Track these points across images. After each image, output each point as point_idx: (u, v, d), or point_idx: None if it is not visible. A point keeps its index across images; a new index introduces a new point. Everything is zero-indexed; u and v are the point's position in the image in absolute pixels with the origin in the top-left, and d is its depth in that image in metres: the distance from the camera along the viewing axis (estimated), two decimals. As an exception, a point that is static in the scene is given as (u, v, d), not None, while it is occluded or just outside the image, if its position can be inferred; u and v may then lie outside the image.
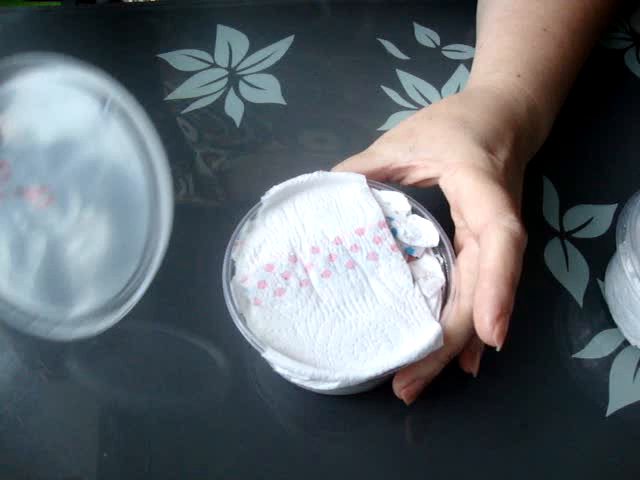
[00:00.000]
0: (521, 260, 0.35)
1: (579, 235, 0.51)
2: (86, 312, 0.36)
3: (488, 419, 0.42)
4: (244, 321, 0.37)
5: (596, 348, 0.46)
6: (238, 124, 0.56)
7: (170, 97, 0.58)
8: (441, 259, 0.40)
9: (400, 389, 0.38)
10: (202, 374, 0.44)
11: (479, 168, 0.39)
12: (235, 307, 0.37)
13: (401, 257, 0.39)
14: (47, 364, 0.43)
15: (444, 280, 0.39)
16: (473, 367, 0.40)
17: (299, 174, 0.42)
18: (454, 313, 0.37)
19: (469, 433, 0.42)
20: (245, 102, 0.57)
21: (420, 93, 0.58)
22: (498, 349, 0.34)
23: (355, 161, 0.44)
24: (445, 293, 0.39)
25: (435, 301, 0.38)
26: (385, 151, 0.43)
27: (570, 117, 0.54)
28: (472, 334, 0.38)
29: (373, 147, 0.45)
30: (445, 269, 0.40)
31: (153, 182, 0.35)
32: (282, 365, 0.35)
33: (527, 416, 0.43)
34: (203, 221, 0.51)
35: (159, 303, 0.45)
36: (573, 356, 0.45)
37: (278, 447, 0.41)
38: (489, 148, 0.41)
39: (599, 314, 0.47)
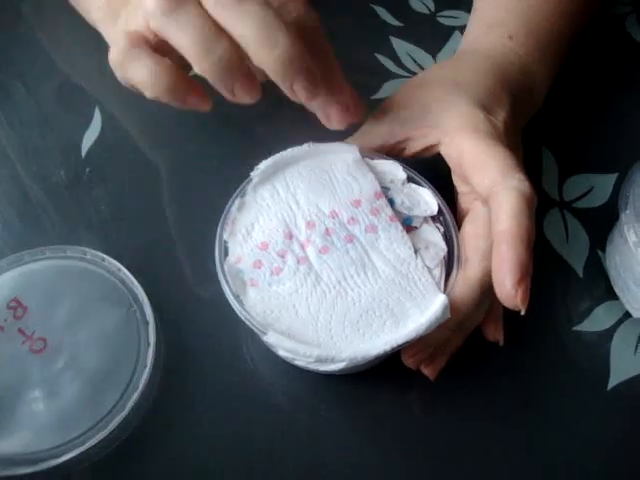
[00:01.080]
0: (534, 219, 0.34)
1: (579, 205, 0.50)
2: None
3: (488, 395, 0.42)
4: (242, 304, 0.35)
5: (597, 320, 0.45)
6: None
7: None
8: (441, 228, 0.39)
9: (408, 358, 0.37)
10: (201, 359, 0.42)
11: (479, 129, 0.38)
12: (231, 289, 0.36)
13: (401, 228, 0.38)
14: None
15: (446, 249, 0.38)
16: (498, 335, 0.40)
17: (289, 146, 0.41)
18: (461, 280, 0.36)
19: (470, 409, 0.41)
20: None
21: (414, 60, 0.57)
22: (523, 312, 0.33)
23: (355, 140, 0.43)
24: (448, 262, 0.38)
25: (438, 271, 0.37)
26: (380, 128, 0.42)
27: (569, 84, 0.53)
28: (483, 300, 0.37)
29: (368, 125, 0.43)
30: (446, 237, 0.39)
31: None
32: (286, 348, 0.34)
33: (527, 390, 0.42)
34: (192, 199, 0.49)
35: (153, 288, 0.43)
36: (573, 329, 0.44)
37: (279, 429, 0.40)
38: (486, 108, 0.40)
39: (600, 286, 0.46)
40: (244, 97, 0.36)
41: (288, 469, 0.39)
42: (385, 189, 0.40)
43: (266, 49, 0.34)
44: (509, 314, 0.36)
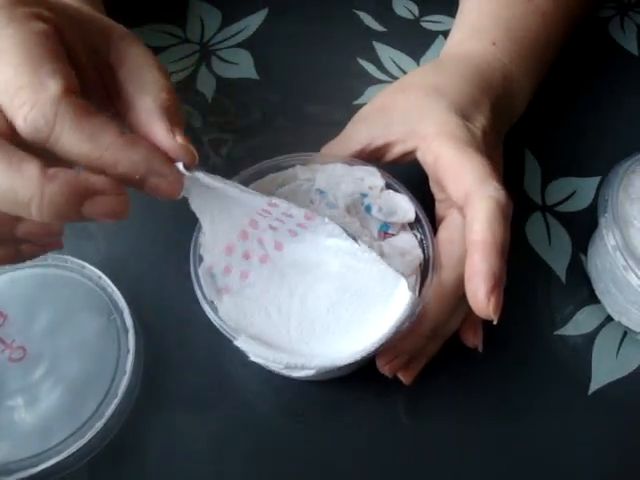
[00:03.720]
0: (509, 228, 0.34)
1: (561, 209, 0.50)
2: None
3: (471, 398, 0.42)
4: (215, 310, 0.35)
5: (579, 324, 0.45)
6: (210, 99, 0.54)
7: None
8: (419, 235, 0.39)
9: (383, 365, 0.37)
10: (181, 366, 0.42)
11: (456, 136, 0.38)
12: (205, 296, 0.35)
13: (327, 220, 0.37)
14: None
15: (422, 257, 0.38)
16: (477, 340, 0.40)
17: (271, 154, 0.41)
18: (435, 286, 0.36)
19: (453, 413, 0.42)
20: (217, 77, 0.56)
21: (397, 65, 0.57)
22: (495, 322, 0.32)
23: (332, 148, 0.43)
24: (424, 270, 0.38)
25: (413, 279, 0.37)
26: (360, 133, 0.42)
27: (552, 87, 0.53)
28: (459, 306, 0.37)
29: (348, 130, 0.43)
30: (423, 245, 0.38)
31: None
32: (255, 353, 0.34)
33: (510, 395, 0.42)
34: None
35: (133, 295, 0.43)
36: (555, 333, 0.44)
37: (262, 435, 0.40)
38: (465, 115, 0.40)
39: (582, 290, 0.46)
40: None
41: (271, 474, 0.39)
42: (363, 195, 0.39)
43: None
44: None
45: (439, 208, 0.40)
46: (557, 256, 0.47)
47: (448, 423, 0.41)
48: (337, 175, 0.40)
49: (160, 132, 0.30)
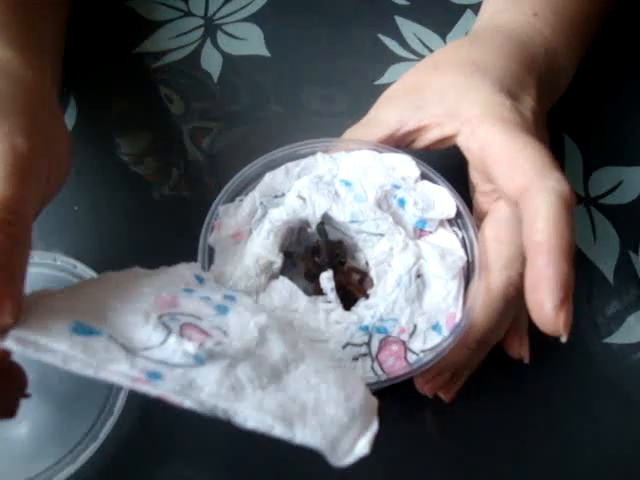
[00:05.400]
0: (575, 227, 0.29)
1: (607, 201, 0.45)
2: None
3: (510, 414, 0.38)
4: None
5: (629, 331, 0.41)
6: (216, 79, 0.50)
7: (139, 49, 0.52)
8: (459, 232, 0.34)
9: (423, 384, 0.33)
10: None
11: (506, 119, 0.33)
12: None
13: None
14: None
15: (465, 258, 0.33)
16: (524, 351, 0.36)
17: (288, 139, 0.37)
18: (482, 292, 0.32)
19: (490, 428, 0.38)
20: (224, 54, 0.51)
21: (422, 42, 0.52)
22: (564, 340, 0.28)
23: (359, 132, 0.38)
24: (467, 273, 0.33)
25: (456, 284, 0.32)
26: (389, 115, 0.37)
27: (595, 66, 0.48)
28: (507, 313, 0.33)
29: (374, 112, 0.39)
30: (465, 244, 0.34)
31: None
32: None
33: (552, 410, 0.38)
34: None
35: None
36: (603, 341, 0.40)
37: (273, 451, 0.35)
38: (512, 95, 0.35)
39: (632, 291, 0.42)
40: None
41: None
42: (395, 187, 0.35)
43: None
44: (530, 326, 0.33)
45: (482, 201, 0.36)
46: (603, 254, 0.43)
47: (484, 440, 0.37)
48: (364, 164, 0.35)
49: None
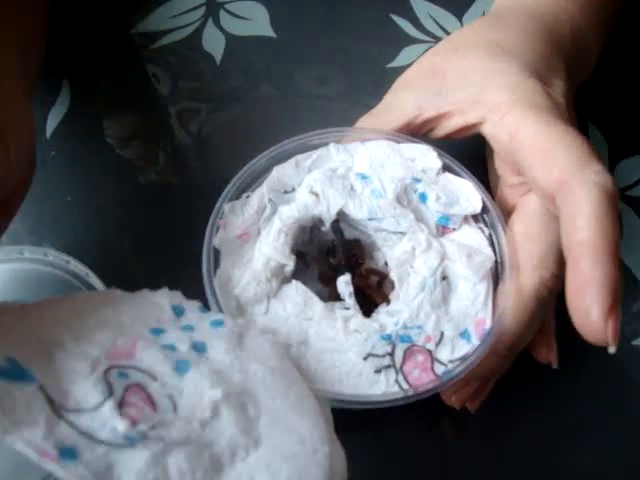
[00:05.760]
0: (619, 224, 0.27)
1: (634, 193, 0.43)
2: None
3: (536, 420, 0.36)
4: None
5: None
6: (218, 62, 0.47)
7: (136, 30, 0.49)
8: (486, 229, 0.32)
9: (450, 396, 0.31)
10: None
11: (539, 105, 0.31)
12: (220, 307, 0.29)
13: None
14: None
15: (493, 258, 0.31)
16: (552, 355, 0.33)
17: (296, 130, 0.34)
18: (514, 294, 0.30)
19: (515, 435, 0.35)
20: (227, 35, 0.48)
21: (437, 23, 0.49)
22: (613, 350, 0.25)
23: (373, 120, 0.35)
24: (496, 273, 0.31)
25: (485, 286, 0.30)
26: (406, 101, 0.35)
27: (623, 50, 0.46)
28: (538, 316, 0.31)
29: (389, 98, 0.36)
30: (493, 242, 0.31)
31: None
32: None
33: (579, 415, 0.36)
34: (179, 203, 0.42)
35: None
36: (633, 343, 0.38)
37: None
38: (542, 79, 0.33)
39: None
40: None
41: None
42: (415, 181, 0.32)
43: None
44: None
45: (509, 194, 0.33)
46: (631, 251, 0.41)
47: (510, 447, 0.35)
48: (381, 155, 0.33)
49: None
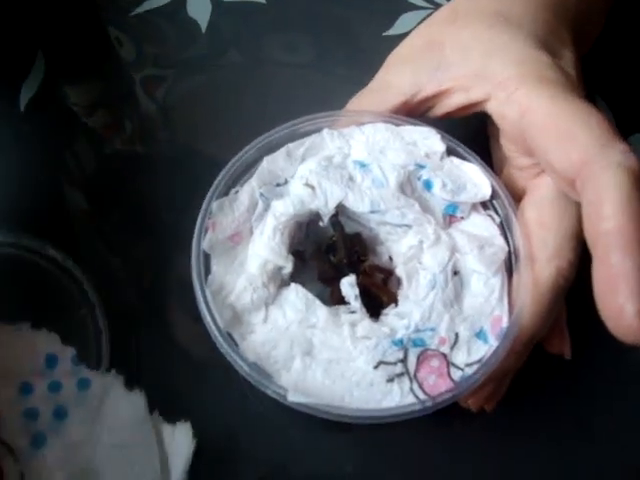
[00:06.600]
0: None
1: None
2: None
3: (546, 422, 0.33)
4: (235, 346, 0.26)
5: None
6: (204, 29, 0.44)
7: None
8: (496, 217, 0.29)
9: (467, 398, 0.29)
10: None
11: (550, 79, 0.28)
12: (218, 326, 0.26)
13: None
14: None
15: (506, 248, 0.28)
16: (565, 345, 0.31)
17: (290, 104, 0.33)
18: (530, 286, 0.27)
19: (528, 437, 0.33)
20: (214, 0, 0.45)
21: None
22: None
23: (366, 100, 0.33)
24: (510, 265, 0.28)
25: (499, 280, 0.27)
26: (402, 78, 0.32)
27: (631, 19, 0.43)
28: (555, 308, 0.28)
29: (383, 74, 0.33)
30: (505, 231, 0.29)
31: None
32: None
33: (594, 428, 0.33)
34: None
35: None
36: None
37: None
38: (550, 50, 0.30)
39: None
40: None
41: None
42: (419, 167, 0.29)
43: None
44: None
45: (518, 177, 0.31)
46: None
47: (525, 450, 0.32)
48: (380, 140, 0.30)
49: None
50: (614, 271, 0.23)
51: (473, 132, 0.33)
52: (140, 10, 0.45)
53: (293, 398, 0.24)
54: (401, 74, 0.32)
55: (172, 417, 0.30)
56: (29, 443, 0.27)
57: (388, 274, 0.29)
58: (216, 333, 0.25)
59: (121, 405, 0.29)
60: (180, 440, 0.29)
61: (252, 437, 0.31)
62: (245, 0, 0.45)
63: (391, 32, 0.44)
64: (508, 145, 0.30)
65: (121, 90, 0.43)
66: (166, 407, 0.30)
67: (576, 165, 0.25)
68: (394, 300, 0.28)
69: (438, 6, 0.44)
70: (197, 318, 0.27)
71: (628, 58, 0.44)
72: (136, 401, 0.29)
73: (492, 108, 0.30)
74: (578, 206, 0.26)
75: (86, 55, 0.43)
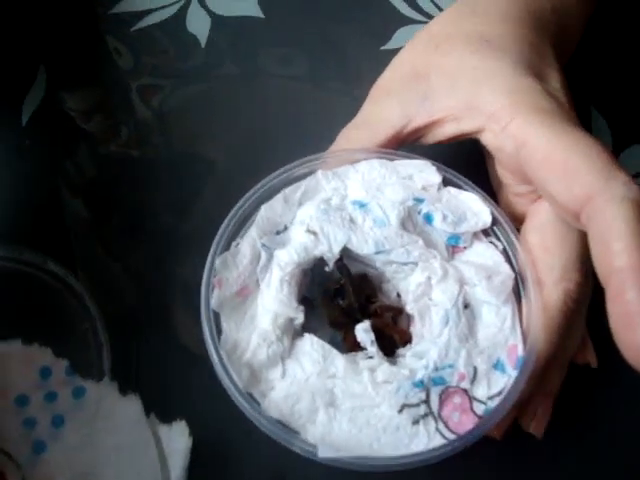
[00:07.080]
0: None
1: None
2: None
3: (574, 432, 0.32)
4: (257, 406, 0.25)
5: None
6: (203, 44, 0.45)
7: (116, 10, 0.46)
8: (499, 243, 0.29)
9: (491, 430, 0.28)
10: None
11: (543, 109, 0.27)
12: (238, 388, 0.25)
13: None
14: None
15: (513, 275, 0.28)
16: (590, 354, 0.31)
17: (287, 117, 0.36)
18: (541, 311, 0.27)
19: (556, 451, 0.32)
20: (213, 15, 0.46)
21: (433, 1, 0.46)
22: None
23: (355, 135, 0.32)
24: (517, 290, 0.28)
25: (510, 309, 0.27)
26: (390, 111, 0.32)
27: (625, 30, 0.43)
28: (570, 328, 0.28)
29: (370, 107, 0.33)
30: (508, 256, 0.29)
31: None
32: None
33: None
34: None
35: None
36: None
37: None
38: (537, 74, 0.30)
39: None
40: None
41: None
42: (417, 201, 0.29)
43: None
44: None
45: (515, 202, 0.31)
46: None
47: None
48: (376, 176, 0.30)
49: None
50: (630, 308, 0.22)
51: (466, 153, 0.33)
52: (142, 25, 0.45)
53: (323, 454, 0.24)
54: (389, 107, 0.32)
55: (169, 422, 0.31)
56: (30, 450, 0.28)
57: (398, 312, 0.29)
58: (237, 395, 0.25)
59: (117, 408, 0.29)
60: (177, 437, 0.30)
61: (252, 442, 0.30)
62: (244, 15, 0.46)
63: (388, 46, 0.44)
64: (505, 174, 0.30)
65: (118, 97, 0.43)
66: (164, 413, 0.30)
67: (580, 199, 0.25)
68: (407, 338, 0.28)
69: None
70: (197, 324, 0.27)
71: (622, 69, 0.44)
72: (132, 404, 0.30)
73: (487, 140, 0.30)
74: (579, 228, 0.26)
75: (85, 63, 0.44)
